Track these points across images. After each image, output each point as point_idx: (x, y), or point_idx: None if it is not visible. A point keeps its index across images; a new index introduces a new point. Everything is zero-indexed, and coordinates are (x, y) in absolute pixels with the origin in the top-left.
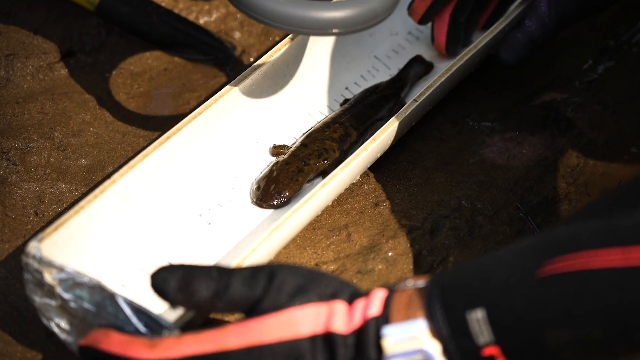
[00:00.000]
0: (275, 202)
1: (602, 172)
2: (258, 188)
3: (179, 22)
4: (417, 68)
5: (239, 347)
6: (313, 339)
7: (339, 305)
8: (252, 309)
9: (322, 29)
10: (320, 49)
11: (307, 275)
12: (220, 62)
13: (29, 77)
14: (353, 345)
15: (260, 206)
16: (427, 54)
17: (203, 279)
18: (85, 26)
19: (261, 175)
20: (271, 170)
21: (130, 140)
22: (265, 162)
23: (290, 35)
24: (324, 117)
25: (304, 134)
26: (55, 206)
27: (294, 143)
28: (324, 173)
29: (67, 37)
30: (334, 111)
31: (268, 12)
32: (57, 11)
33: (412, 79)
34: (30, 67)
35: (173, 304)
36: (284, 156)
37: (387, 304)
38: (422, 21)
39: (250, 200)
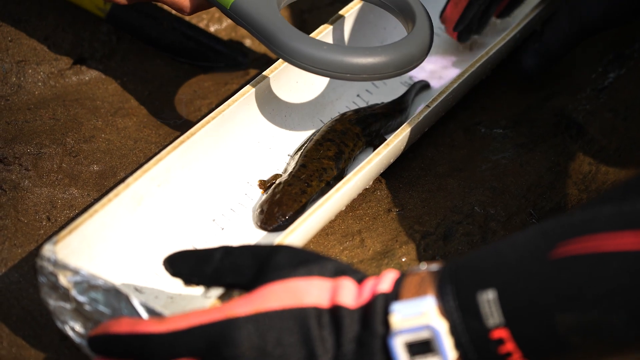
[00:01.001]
0: (280, 225)
1: (613, 179)
2: (262, 212)
3: (189, 29)
4: (417, 91)
5: (246, 314)
6: (318, 310)
7: (347, 282)
8: (256, 281)
9: (357, 74)
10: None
11: (312, 254)
12: (231, 69)
13: (40, 84)
14: (360, 319)
15: (265, 229)
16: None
17: (211, 256)
18: (96, 33)
19: (263, 198)
20: (274, 193)
21: (142, 147)
22: (277, 168)
23: None
24: (312, 133)
25: (296, 151)
26: (67, 211)
27: (289, 164)
28: (323, 193)
29: (78, 44)
30: (322, 125)
31: (301, 56)
32: (68, 18)
33: (411, 102)
34: (41, 73)
35: (187, 282)
36: (285, 177)
37: (398, 283)
38: (456, 28)
39: (254, 225)
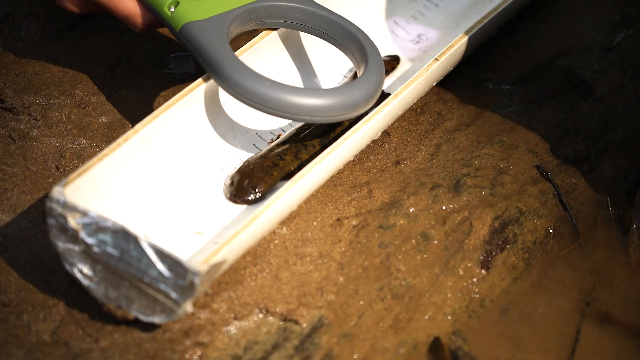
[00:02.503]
0: (249, 198)
1: (622, 136)
2: (232, 184)
3: None
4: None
5: None
6: None
7: None
8: None
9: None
10: (337, 9)
11: None
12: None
13: (49, 38)
14: None
15: (235, 202)
16: (439, 26)
17: None
18: None
19: (234, 170)
20: (245, 165)
21: (149, 100)
22: (285, 123)
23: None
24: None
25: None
26: (76, 161)
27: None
28: (300, 168)
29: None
30: None
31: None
32: None
33: None
34: (50, 27)
35: None
36: (259, 152)
37: None
38: None
39: (224, 196)
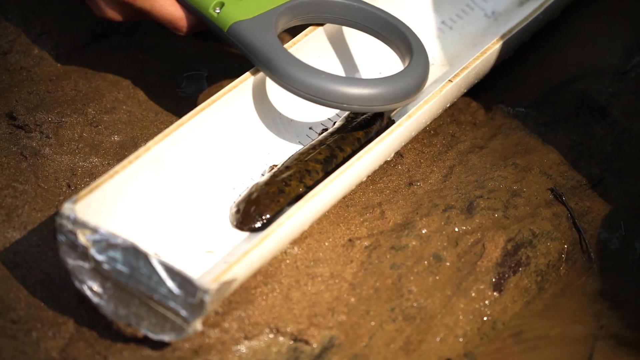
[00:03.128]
0: (256, 225)
1: (636, 160)
2: (238, 211)
3: None
4: None
5: None
6: None
7: None
8: None
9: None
10: (352, 31)
11: None
12: None
13: (62, 56)
14: None
15: (241, 229)
16: (454, 48)
17: None
18: None
19: (240, 197)
20: (250, 192)
21: (163, 119)
22: (299, 141)
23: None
24: (311, 140)
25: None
26: (87, 179)
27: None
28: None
29: (100, 18)
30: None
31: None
32: None
33: None
34: (64, 46)
35: None
36: (263, 178)
37: None
38: None
39: (230, 224)
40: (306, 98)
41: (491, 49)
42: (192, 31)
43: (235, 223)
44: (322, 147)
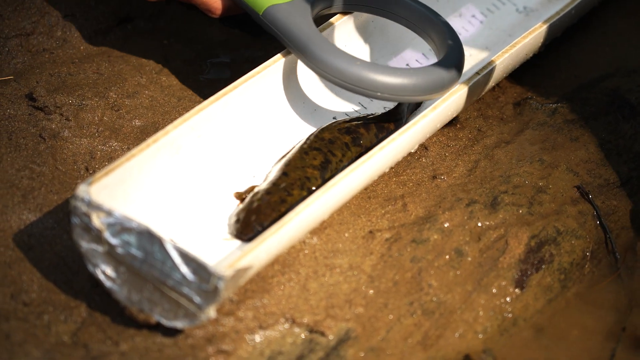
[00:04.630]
0: (256, 236)
1: None
2: (237, 220)
3: None
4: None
5: None
6: None
7: None
8: None
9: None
10: (379, 25)
11: None
12: None
13: (86, 39)
14: None
15: (241, 239)
16: (484, 42)
17: None
18: None
19: (240, 206)
20: (251, 201)
21: (185, 105)
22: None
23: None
24: (299, 141)
25: (279, 160)
26: (106, 163)
27: (269, 173)
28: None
29: (126, 1)
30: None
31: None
32: None
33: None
34: (87, 29)
35: None
36: (264, 186)
37: None
38: None
39: (229, 234)
40: (340, 85)
41: (520, 43)
42: (226, 14)
43: (235, 233)
44: (314, 152)
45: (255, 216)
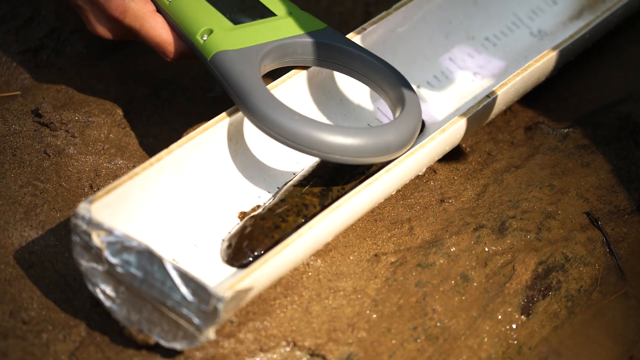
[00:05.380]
0: (248, 262)
1: None
2: (229, 246)
3: None
4: None
5: None
6: None
7: None
8: None
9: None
10: (391, 44)
11: None
12: None
13: (94, 55)
14: None
15: (232, 265)
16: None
17: None
18: None
19: (232, 231)
20: (244, 226)
21: (193, 122)
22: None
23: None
24: (301, 170)
25: (280, 189)
26: (111, 181)
27: (268, 200)
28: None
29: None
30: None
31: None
32: None
33: None
34: (97, 45)
35: None
36: (259, 211)
37: None
38: None
39: (220, 260)
40: (282, 142)
41: (532, 66)
42: (180, 58)
43: (225, 259)
44: (316, 179)
45: (248, 242)
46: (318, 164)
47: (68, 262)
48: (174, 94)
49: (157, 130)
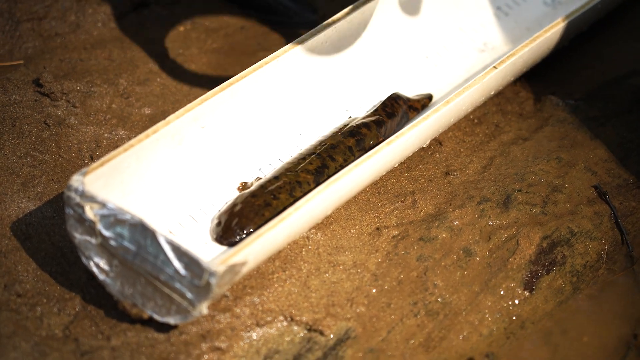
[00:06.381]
0: (237, 240)
1: None
2: (219, 224)
3: None
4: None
5: None
6: None
7: None
8: None
9: None
10: (398, 13)
11: None
12: (300, 25)
13: (99, 24)
14: None
15: (221, 243)
16: (507, 35)
17: None
18: None
19: (223, 209)
20: (234, 204)
21: (197, 93)
22: (331, 125)
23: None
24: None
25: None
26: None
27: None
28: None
29: None
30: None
31: None
32: None
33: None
34: (102, 14)
35: None
36: (251, 188)
37: None
38: None
39: (210, 238)
40: None
41: (542, 36)
42: None
43: (214, 236)
44: (312, 156)
45: (237, 220)
46: (317, 143)
47: (65, 235)
48: (180, 65)
49: (160, 101)
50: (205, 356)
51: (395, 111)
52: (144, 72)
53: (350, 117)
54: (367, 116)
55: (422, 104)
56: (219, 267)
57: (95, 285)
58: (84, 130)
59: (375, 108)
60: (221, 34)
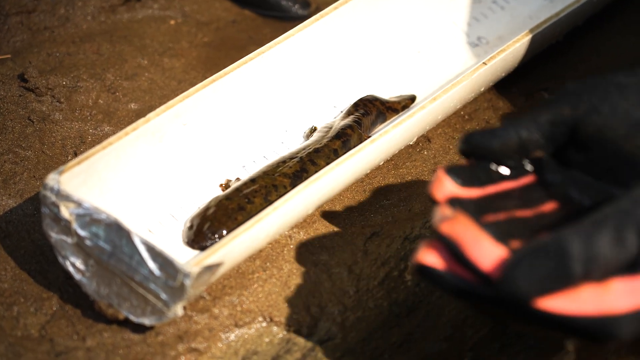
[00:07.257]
0: (209, 244)
1: None
2: (191, 227)
3: None
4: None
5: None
6: None
7: None
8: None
9: None
10: (391, 8)
11: None
12: (291, 19)
13: (89, 17)
14: None
15: (192, 247)
16: (502, 29)
17: None
18: None
19: (195, 212)
20: (207, 207)
21: (185, 88)
22: (318, 119)
23: None
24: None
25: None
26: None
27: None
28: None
29: None
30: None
31: None
32: None
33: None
34: (91, 7)
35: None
36: (226, 191)
37: None
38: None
39: (182, 241)
40: None
41: (534, 31)
42: None
43: (186, 240)
44: (293, 160)
45: (210, 224)
46: (298, 148)
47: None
48: (169, 59)
49: (147, 96)
50: (182, 357)
51: (369, 110)
52: (132, 67)
53: (312, 126)
54: (343, 118)
55: (403, 105)
56: (194, 269)
57: (73, 284)
58: (69, 126)
59: (347, 110)
60: (212, 28)
